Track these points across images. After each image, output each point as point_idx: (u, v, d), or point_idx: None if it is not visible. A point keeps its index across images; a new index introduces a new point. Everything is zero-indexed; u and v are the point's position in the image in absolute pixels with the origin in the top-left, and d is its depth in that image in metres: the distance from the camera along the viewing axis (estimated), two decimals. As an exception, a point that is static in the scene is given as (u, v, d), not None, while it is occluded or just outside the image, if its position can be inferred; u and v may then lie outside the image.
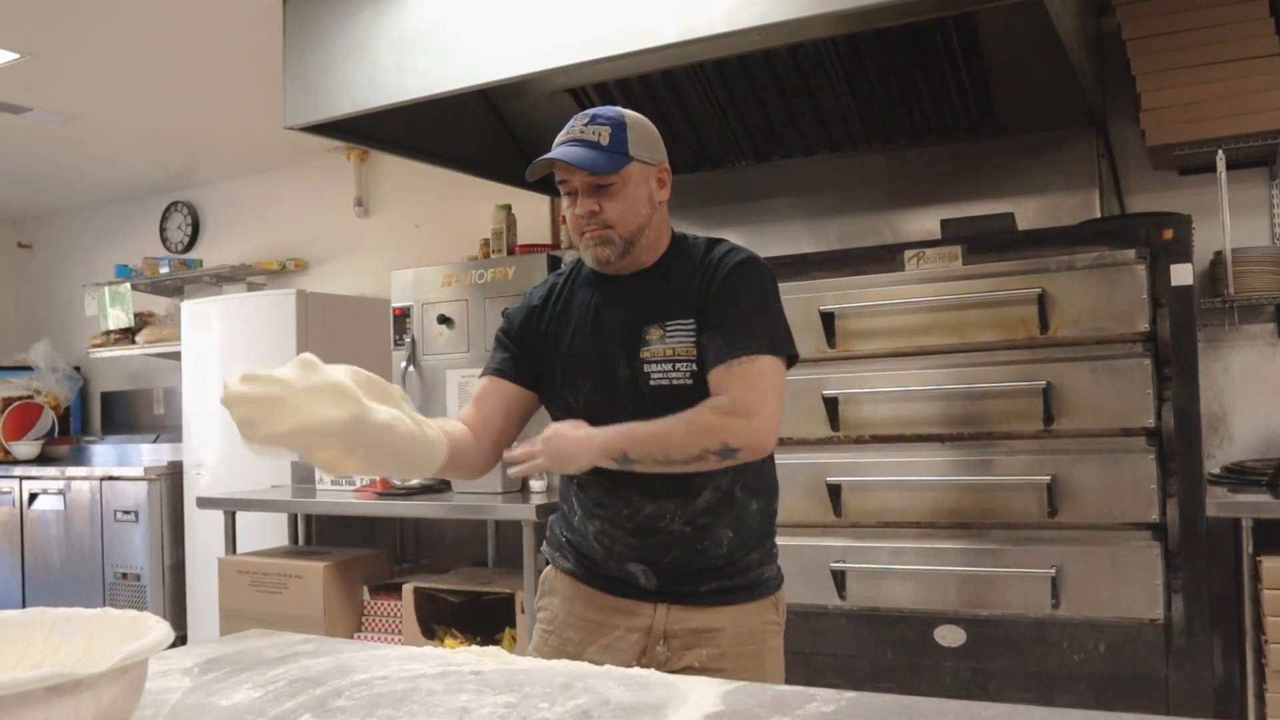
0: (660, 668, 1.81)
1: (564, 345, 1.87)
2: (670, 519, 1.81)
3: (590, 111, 1.83)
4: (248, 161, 5.84)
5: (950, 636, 2.77)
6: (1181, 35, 3.04)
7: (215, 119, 5.07)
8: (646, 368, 1.79)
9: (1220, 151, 3.01)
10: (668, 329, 1.79)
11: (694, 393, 1.75)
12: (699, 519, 1.81)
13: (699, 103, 3.72)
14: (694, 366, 1.77)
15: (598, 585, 1.88)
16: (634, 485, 1.79)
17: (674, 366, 1.78)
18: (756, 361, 1.72)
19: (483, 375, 1.93)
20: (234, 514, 4.26)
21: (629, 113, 1.85)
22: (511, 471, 1.79)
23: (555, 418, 1.86)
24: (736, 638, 1.83)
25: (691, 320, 1.79)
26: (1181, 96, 3.04)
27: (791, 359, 1.81)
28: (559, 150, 1.79)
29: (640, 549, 1.83)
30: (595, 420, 1.77)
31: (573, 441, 1.74)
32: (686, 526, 1.81)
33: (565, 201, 1.83)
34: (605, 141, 1.79)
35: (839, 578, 2.89)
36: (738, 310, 1.76)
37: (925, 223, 3.58)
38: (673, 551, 1.82)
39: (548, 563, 2.01)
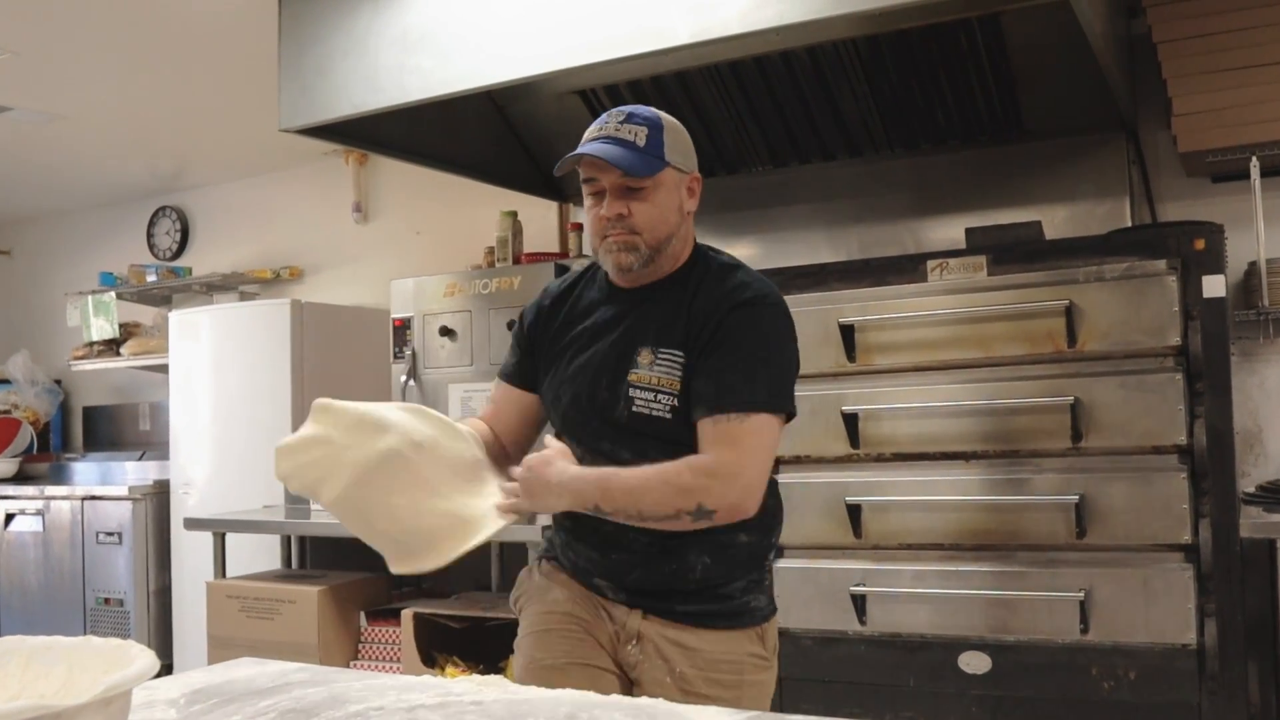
0: (629, 670, 1.85)
1: (558, 354, 1.93)
2: (633, 535, 1.80)
3: (626, 109, 1.85)
4: (240, 164, 5.93)
5: (975, 663, 2.84)
6: (1215, 38, 3.12)
7: (206, 120, 5.16)
8: (631, 391, 1.81)
9: (1254, 158, 3.09)
10: (659, 356, 1.82)
11: (670, 427, 1.78)
12: (668, 541, 1.80)
13: (714, 106, 3.80)
14: (675, 401, 1.79)
15: (578, 578, 1.94)
16: None
17: (656, 397, 1.80)
18: (747, 420, 1.72)
19: (500, 376, 2.05)
20: (223, 536, 4.32)
21: (665, 115, 1.88)
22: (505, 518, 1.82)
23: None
24: (712, 662, 1.83)
25: (681, 353, 1.81)
26: (1214, 101, 3.11)
27: (789, 416, 1.81)
28: (593, 146, 1.80)
29: (603, 565, 1.87)
30: (570, 434, 1.88)
31: (544, 483, 1.77)
32: (651, 546, 1.81)
33: (588, 201, 1.86)
34: (642, 142, 1.81)
35: (859, 602, 2.96)
36: (736, 357, 1.76)
37: (949, 231, 3.67)
38: (635, 571, 1.84)
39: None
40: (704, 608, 1.85)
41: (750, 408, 1.73)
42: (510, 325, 2.10)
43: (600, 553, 1.86)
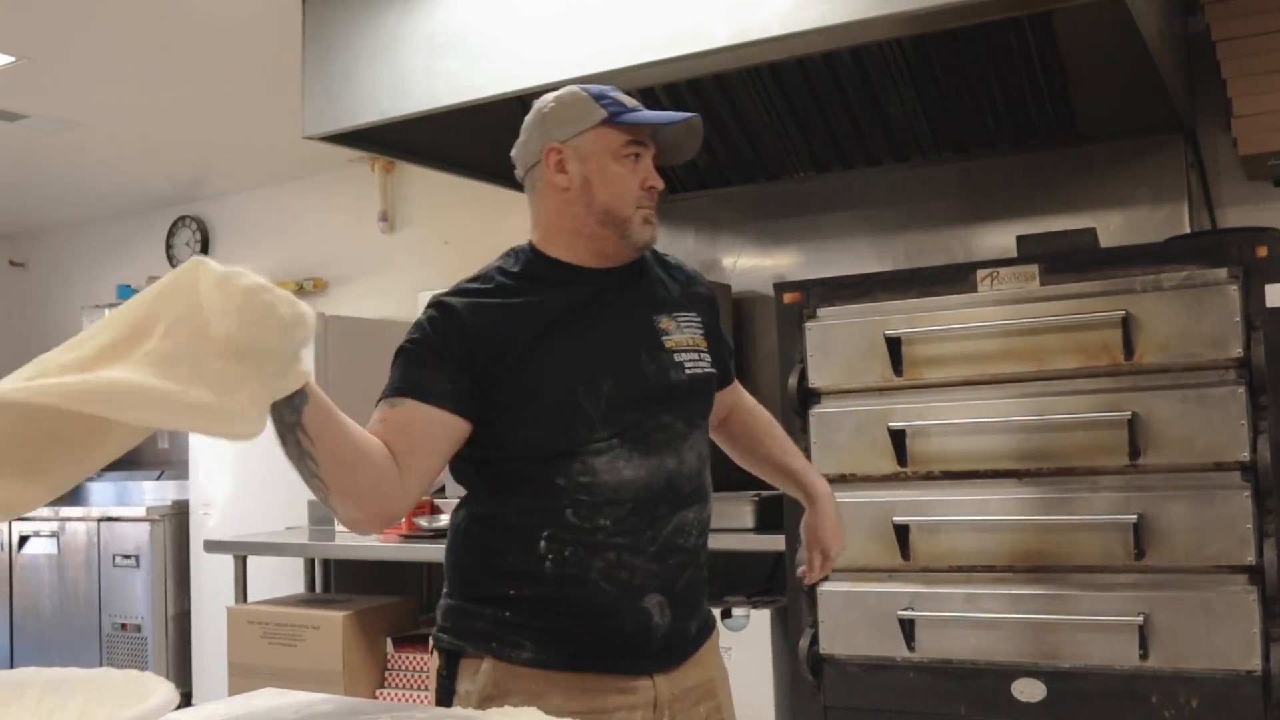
0: None
1: (562, 348, 1.78)
2: (688, 532, 1.84)
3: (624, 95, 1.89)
4: (262, 172, 6.05)
5: (1029, 690, 2.88)
6: (1276, 36, 3.15)
7: (227, 127, 5.28)
8: (678, 356, 1.86)
9: (1318, 161, 3.13)
10: (679, 320, 1.90)
11: (714, 382, 1.96)
12: (706, 529, 1.91)
13: (754, 109, 3.87)
14: (709, 357, 1.94)
15: (580, 666, 1.77)
16: (663, 498, 1.81)
17: (699, 355, 1.90)
18: None
19: (402, 395, 1.73)
20: (244, 558, 4.42)
21: None
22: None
23: (531, 438, 1.77)
24: (723, 684, 1.96)
25: (695, 314, 1.95)
26: (1276, 102, 3.15)
27: None
28: (676, 114, 1.84)
29: (660, 575, 1.80)
30: (616, 418, 1.77)
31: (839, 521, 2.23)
32: (699, 539, 1.88)
33: (624, 164, 1.82)
34: None
35: (907, 627, 3.00)
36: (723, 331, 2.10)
37: (1000, 239, 3.72)
38: (686, 571, 1.85)
39: (456, 656, 1.81)
40: (701, 620, 1.94)
41: None
42: (412, 344, 1.80)
43: (659, 562, 1.79)
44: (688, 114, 1.83)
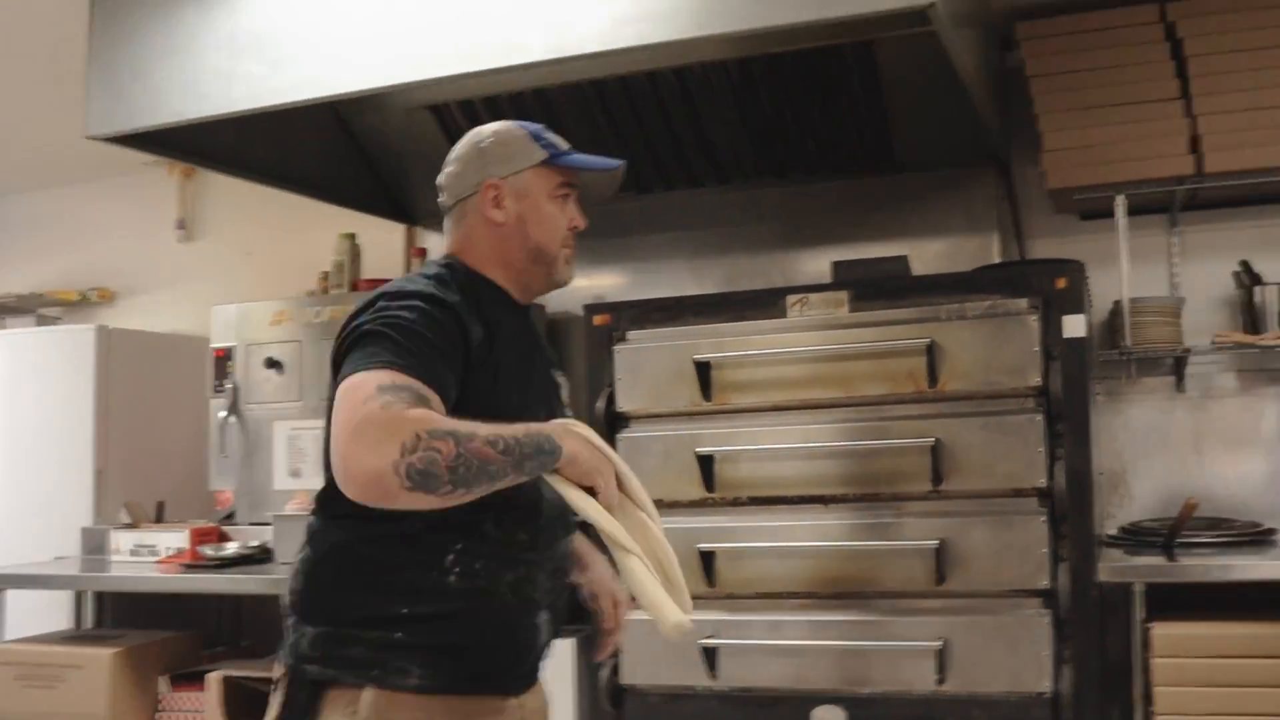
0: None
1: (511, 370, 1.85)
2: (568, 556, 2.00)
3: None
4: (45, 172, 5.79)
5: (830, 717, 2.93)
6: (1085, 74, 3.34)
7: (4, 120, 5.06)
8: (567, 412, 1.99)
9: (1119, 197, 3.29)
10: (560, 379, 2.05)
11: None
12: (573, 556, 2.03)
13: (575, 126, 3.86)
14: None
15: (464, 689, 1.79)
16: (560, 521, 1.91)
17: (572, 415, 1.99)
18: None
19: (425, 381, 1.65)
20: (3, 592, 4.20)
21: None
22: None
23: None
24: (549, 708, 2.03)
25: (562, 374, 2.08)
26: (1083, 138, 3.33)
27: None
28: (605, 161, 1.99)
29: (551, 593, 1.92)
30: None
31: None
32: (571, 564, 2.03)
33: (557, 204, 1.95)
34: None
35: (710, 655, 3.02)
36: None
37: (817, 264, 3.80)
38: (564, 594, 1.98)
39: (321, 687, 1.74)
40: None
41: None
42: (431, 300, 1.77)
43: (554, 580, 1.92)
44: (618, 161, 2.00)
